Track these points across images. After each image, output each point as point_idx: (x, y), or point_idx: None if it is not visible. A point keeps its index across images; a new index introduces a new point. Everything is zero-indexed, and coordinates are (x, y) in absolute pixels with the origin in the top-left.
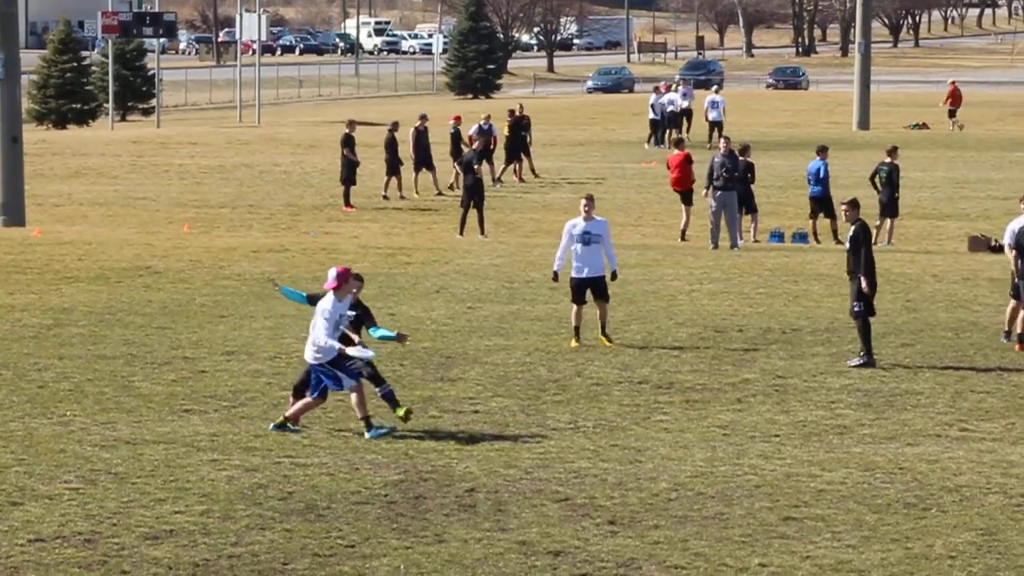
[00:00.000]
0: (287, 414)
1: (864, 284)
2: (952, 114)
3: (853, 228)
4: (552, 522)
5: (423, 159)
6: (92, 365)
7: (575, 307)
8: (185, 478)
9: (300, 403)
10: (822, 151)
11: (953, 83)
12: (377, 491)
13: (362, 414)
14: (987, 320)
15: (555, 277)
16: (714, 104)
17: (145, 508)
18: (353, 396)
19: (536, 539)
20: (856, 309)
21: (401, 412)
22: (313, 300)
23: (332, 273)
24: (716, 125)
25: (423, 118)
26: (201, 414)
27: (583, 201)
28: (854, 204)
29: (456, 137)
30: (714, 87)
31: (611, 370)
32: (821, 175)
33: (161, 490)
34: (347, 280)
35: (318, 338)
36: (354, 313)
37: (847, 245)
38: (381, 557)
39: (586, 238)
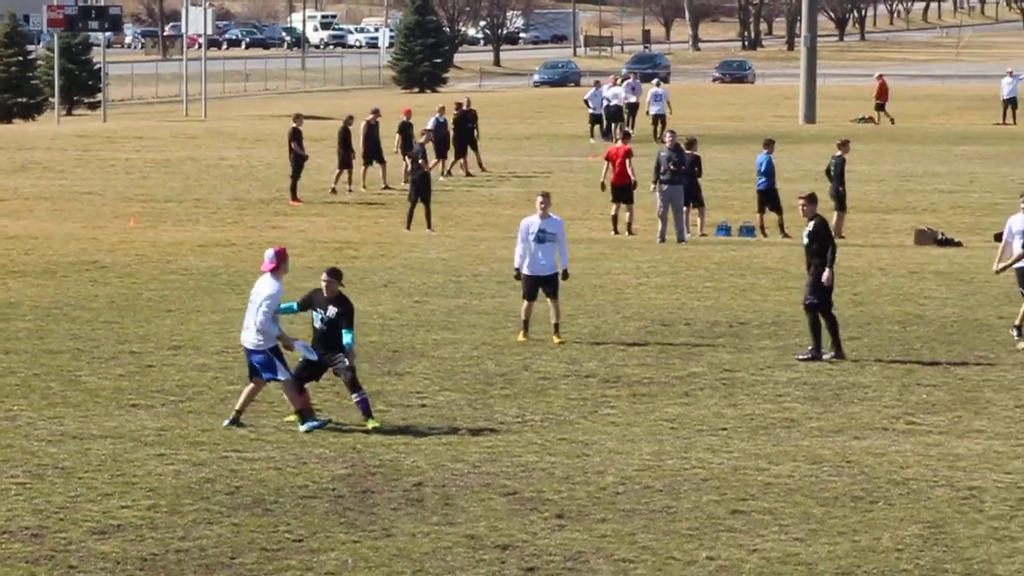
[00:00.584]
0: (297, 408)
1: (827, 276)
2: (880, 107)
3: (812, 224)
4: (500, 516)
5: (373, 153)
6: (38, 360)
7: (526, 303)
8: (132, 473)
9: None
10: (768, 144)
11: (880, 76)
12: (325, 485)
13: (297, 407)
14: (933, 313)
15: (517, 275)
16: (657, 97)
17: (92, 503)
18: (285, 389)
19: (484, 533)
20: (808, 302)
21: (371, 425)
22: (303, 306)
23: (270, 253)
24: (659, 118)
25: (375, 112)
26: (148, 409)
27: (539, 199)
28: (811, 199)
29: (406, 130)
30: (656, 80)
31: (558, 364)
32: (763, 169)
33: (108, 485)
34: (285, 260)
35: (262, 324)
36: (336, 311)
37: (804, 240)
38: (329, 551)
39: (541, 236)
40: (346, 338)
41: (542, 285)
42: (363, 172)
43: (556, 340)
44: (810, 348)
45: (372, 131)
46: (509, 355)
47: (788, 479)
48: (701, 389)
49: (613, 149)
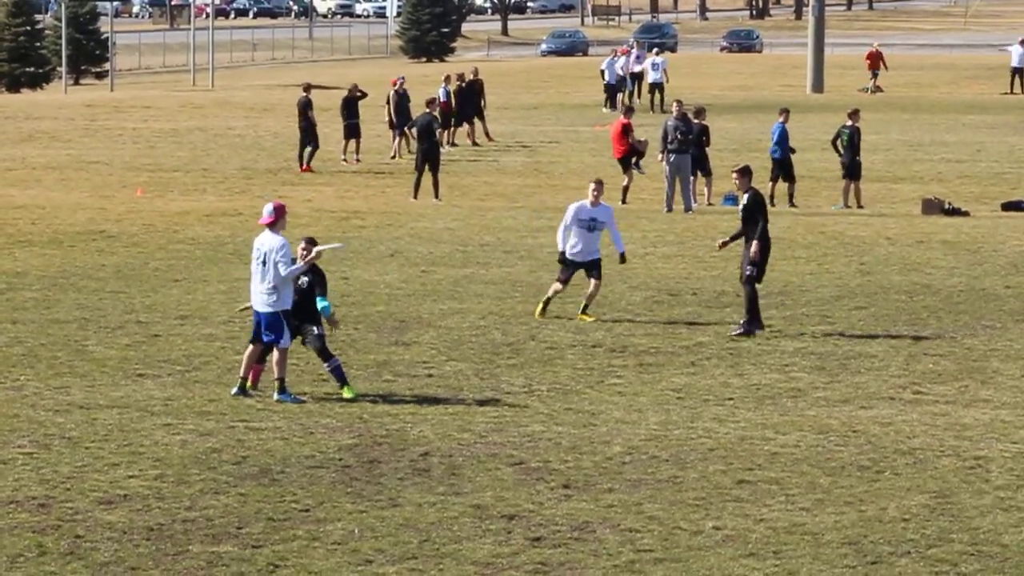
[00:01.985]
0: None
1: (754, 250)
2: (873, 76)
3: (746, 197)
4: (506, 486)
5: (406, 121)
6: (45, 329)
7: (559, 285)
8: (139, 443)
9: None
10: (782, 113)
11: (875, 47)
12: (331, 455)
13: (279, 374)
14: (940, 283)
15: (562, 258)
16: (654, 66)
17: (99, 473)
18: (277, 354)
19: (490, 503)
20: (748, 273)
21: (348, 394)
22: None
23: (268, 208)
24: (657, 87)
25: (402, 80)
26: (155, 378)
27: (592, 186)
28: (744, 172)
29: (401, 100)
30: (654, 49)
31: (565, 334)
32: (777, 138)
33: (115, 455)
34: (284, 214)
35: (284, 274)
36: (308, 279)
37: (740, 214)
38: (335, 521)
39: (592, 224)
40: (321, 304)
41: (586, 268)
42: (398, 143)
43: (589, 319)
44: (743, 322)
45: (402, 100)
46: (516, 325)
47: (794, 449)
48: (708, 359)
49: (613, 124)
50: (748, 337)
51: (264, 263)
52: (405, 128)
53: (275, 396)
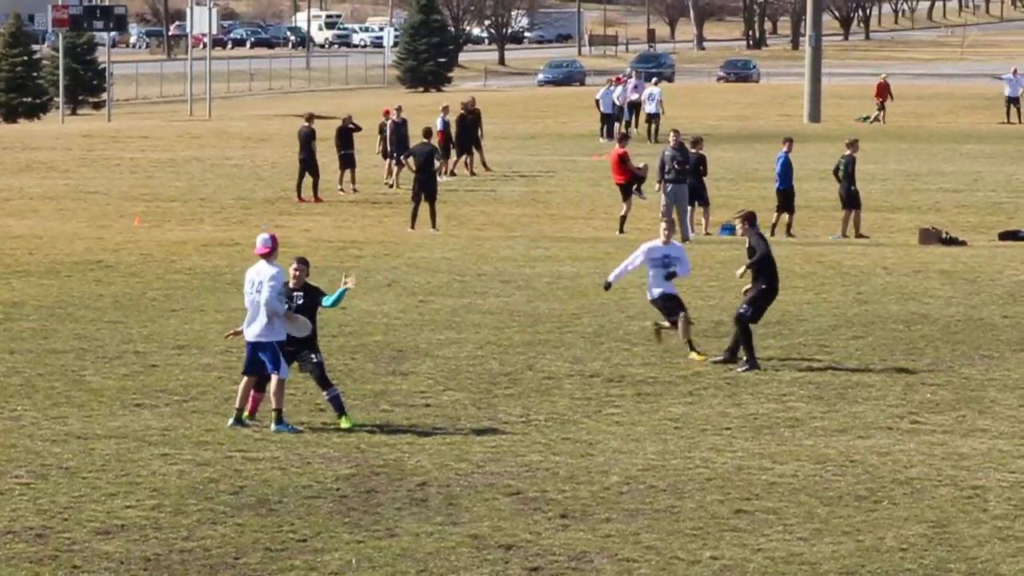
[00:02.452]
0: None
1: (740, 270)
2: (881, 108)
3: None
4: (504, 516)
5: (403, 149)
6: (43, 359)
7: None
8: (136, 473)
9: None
10: (786, 142)
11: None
12: (329, 485)
13: (277, 404)
14: (937, 313)
15: (607, 287)
16: (651, 97)
17: (96, 503)
18: (274, 384)
19: (488, 533)
20: (741, 311)
21: (346, 424)
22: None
23: (264, 238)
24: (653, 118)
25: (399, 110)
26: (152, 408)
27: (663, 227)
28: (748, 218)
29: (399, 129)
30: (653, 79)
31: (562, 363)
32: (779, 168)
33: (112, 485)
34: (277, 245)
35: (269, 302)
36: (304, 298)
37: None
38: (333, 551)
39: (667, 261)
40: (331, 298)
41: (667, 301)
42: (397, 171)
43: (699, 357)
44: (745, 360)
45: (399, 129)
46: (513, 355)
47: (792, 478)
48: (705, 388)
49: (609, 155)
50: (754, 371)
51: (259, 291)
52: (402, 158)
53: (272, 427)
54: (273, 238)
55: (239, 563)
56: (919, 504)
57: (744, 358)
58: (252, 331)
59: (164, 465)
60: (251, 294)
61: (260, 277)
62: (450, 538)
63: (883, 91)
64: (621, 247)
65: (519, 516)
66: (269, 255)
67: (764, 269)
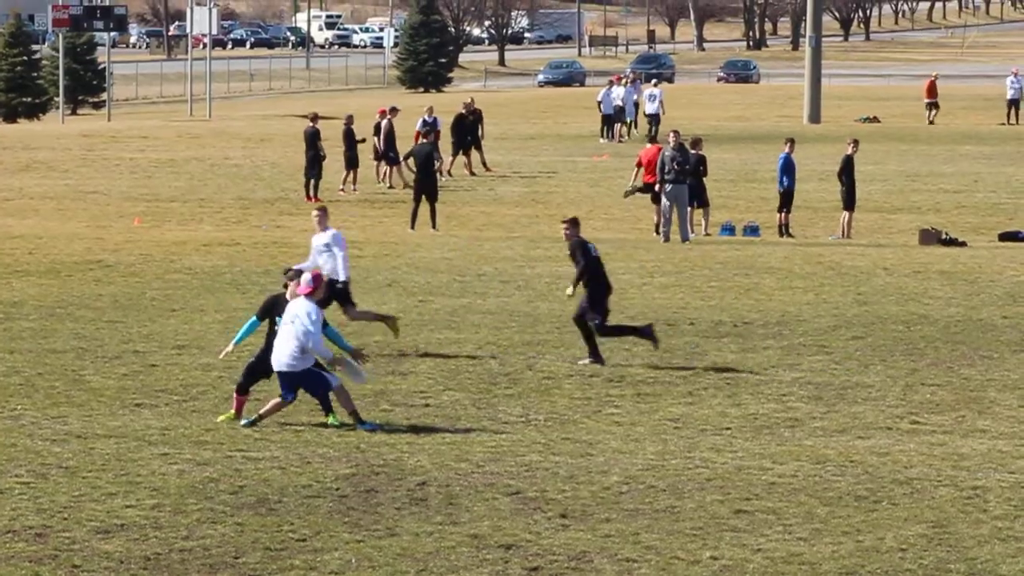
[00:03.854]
0: (260, 412)
1: (569, 291)
2: (930, 106)
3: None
4: (503, 515)
5: (391, 151)
6: (42, 359)
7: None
8: (136, 472)
9: (271, 404)
10: (787, 142)
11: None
12: (328, 485)
13: (350, 408)
14: (937, 313)
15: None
16: (651, 98)
17: (96, 502)
18: (339, 396)
19: (487, 532)
20: (596, 322)
21: (331, 420)
22: (263, 315)
23: (307, 278)
24: (653, 118)
25: (394, 111)
26: (152, 408)
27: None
28: (573, 223)
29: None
30: (652, 81)
31: (562, 363)
32: (781, 168)
33: (112, 484)
34: (321, 284)
35: (310, 340)
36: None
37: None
38: (332, 551)
39: None
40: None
41: None
42: (387, 172)
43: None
44: (588, 353)
45: (393, 129)
46: (513, 355)
47: (792, 479)
48: (705, 389)
49: (645, 152)
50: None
51: (293, 322)
52: (402, 159)
53: (358, 428)
54: (316, 277)
55: (239, 562)
56: (919, 504)
57: (590, 352)
58: (279, 360)
59: (164, 465)
60: (283, 327)
61: (295, 316)
62: (450, 538)
63: (932, 90)
64: (621, 247)
65: (519, 516)
66: (311, 294)
67: (591, 276)
